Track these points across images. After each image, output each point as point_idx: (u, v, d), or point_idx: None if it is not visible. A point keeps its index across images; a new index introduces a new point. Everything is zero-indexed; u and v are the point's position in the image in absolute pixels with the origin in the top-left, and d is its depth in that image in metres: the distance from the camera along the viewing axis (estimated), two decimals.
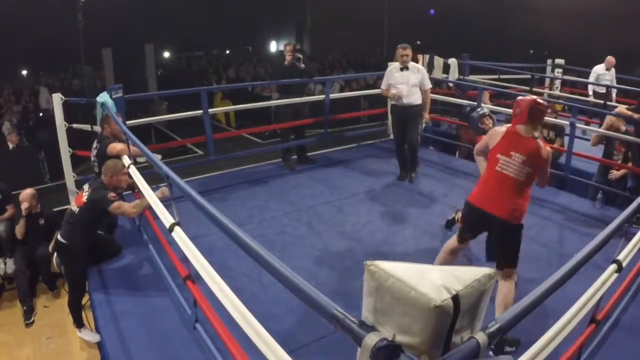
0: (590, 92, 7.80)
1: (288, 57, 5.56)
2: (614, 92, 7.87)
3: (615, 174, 4.98)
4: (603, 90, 7.71)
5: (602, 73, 7.73)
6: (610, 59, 7.70)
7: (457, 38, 12.89)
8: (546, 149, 2.75)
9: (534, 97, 2.92)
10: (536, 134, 2.80)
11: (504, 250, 2.79)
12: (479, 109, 4.74)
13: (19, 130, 8.82)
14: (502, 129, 2.88)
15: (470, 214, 2.89)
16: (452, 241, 3.04)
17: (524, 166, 2.69)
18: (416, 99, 5.03)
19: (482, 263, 3.57)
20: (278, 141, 6.17)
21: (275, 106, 7.29)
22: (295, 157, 5.95)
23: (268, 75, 13.74)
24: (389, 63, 5.53)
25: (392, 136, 5.95)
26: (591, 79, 7.80)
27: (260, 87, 11.97)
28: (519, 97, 2.89)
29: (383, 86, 5.20)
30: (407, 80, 4.97)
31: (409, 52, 4.96)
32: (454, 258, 3.05)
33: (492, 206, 2.73)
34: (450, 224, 4.12)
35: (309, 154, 6.13)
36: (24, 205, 4.55)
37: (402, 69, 4.99)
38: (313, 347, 2.72)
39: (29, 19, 11.85)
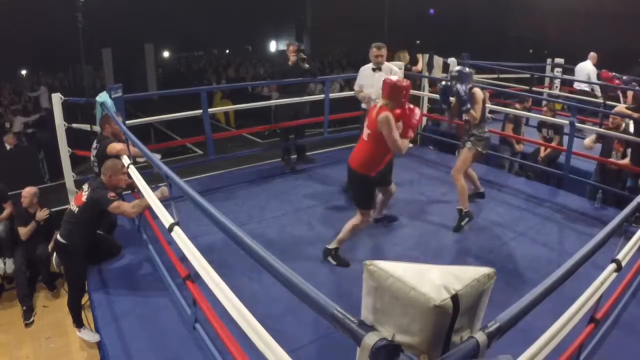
0: (600, 94, 7.69)
1: (292, 57, 5.53)
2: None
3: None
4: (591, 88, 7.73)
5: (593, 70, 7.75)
6: (595, 54, 7.70)
7: (457, 38, 12.91)
8: (384, 115, 3.19)
9: (395, 78, 3.41)
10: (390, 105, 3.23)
11: (353, 192, 3.71)
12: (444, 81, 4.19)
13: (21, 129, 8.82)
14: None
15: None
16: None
17: (367, 129, 3.35)
18: None
19: (470, 261, 3.58)
20: (278, 141, 6.17)
21: (275, 106, 7.28)
22: (295, 157, 5.93)
23: (268, 75, 13.75)
24: (388, 63, 5.48)
25: None
26: (593, 78, 7.77)
27: (260, 87, 11.97)
28: None
29: (355, 86, 4.82)
30: (377, 83, 4.63)
31: (384, 52, 4.61)
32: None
33: (351, 159, 3.51)
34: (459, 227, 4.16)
35: (309, 153, 6.12)
36: (42, 212, 4.66)
37: (374, 70, 4.64)
38: (313, 347, 2.72)
39: (29, 19, 11.86)
